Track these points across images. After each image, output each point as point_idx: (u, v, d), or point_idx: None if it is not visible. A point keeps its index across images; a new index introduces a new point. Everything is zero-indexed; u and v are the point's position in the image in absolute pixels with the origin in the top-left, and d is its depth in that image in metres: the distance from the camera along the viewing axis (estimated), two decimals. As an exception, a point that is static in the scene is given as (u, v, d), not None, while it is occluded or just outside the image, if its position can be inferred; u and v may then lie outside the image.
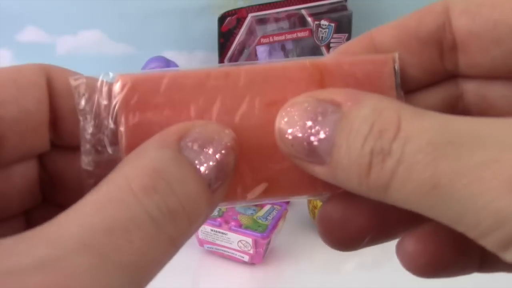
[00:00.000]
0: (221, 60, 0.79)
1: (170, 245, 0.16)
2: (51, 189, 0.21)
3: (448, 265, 0.20)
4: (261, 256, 0.61)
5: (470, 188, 0.15)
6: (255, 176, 0.19)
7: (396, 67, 0.19)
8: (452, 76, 0.21)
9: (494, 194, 0.15)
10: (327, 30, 0.76)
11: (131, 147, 0.18)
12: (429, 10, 0.20)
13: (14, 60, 0.80)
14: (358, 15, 0.76)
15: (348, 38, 0.77)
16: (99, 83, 0.19)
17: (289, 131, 0.18)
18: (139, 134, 0.18)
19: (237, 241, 0.61)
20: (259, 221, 0.62)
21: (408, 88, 0.21)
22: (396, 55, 0.20)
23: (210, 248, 0.63)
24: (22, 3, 0.76)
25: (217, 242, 0.62)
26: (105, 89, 0.19)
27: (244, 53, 0.77)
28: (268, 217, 0.62)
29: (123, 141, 0.19)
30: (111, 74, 0.19)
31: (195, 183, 0.17)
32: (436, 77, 0.21)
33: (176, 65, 0.75)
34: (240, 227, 0.61)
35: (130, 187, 0.16)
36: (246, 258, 0.61)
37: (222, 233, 0.61)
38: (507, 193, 0.14)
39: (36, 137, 0.19)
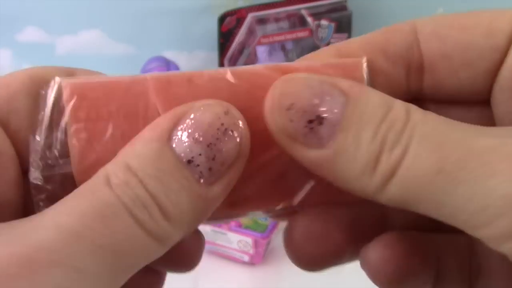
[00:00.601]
0: (221, 60, 0.79)
1: (152, 241, 0.16)
2: None
3: (407, 276, 0.20)
4: (261, 256, 0.61)
5: (477, 172, 0.15)
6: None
7: (366, 71, 0.19)
8: (414, 98, 0.20)
9: (502, 177, 0.14)
10: (327, 30, 0.75)
11: (83, 159, 0.18)
12: (397, 29, 0.20)
13: (14, 60, 0.80)
14: (358, 15, 0.76)
15: (348, 38, 0.77)
16: (48, 92, 0.18)
17: (290, 104, 0.17)
18: (92, 145, 0.18)
19: (237, 241, 0.61)
20: (259, 221, 0.62)
21: None
22: (365, 59, 0.19)
23: (210, 248, 0.63)
24: (22, 3, 0.76)
25: (217, 242, 0.62)
26: (53, 98, 0.18)
27: (244, 53, 0.76)
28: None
29: (74, 153, 0.18)
30: (58, 81, 0.18)
31: (177, 177, 0.16)
32: (399, 97, 0.20)
33: (176, 65, 0.75)
34: (240, 227, 0.61)
35: (106, 179, 0.16)
36: (246, 258, 0.61)
37: (222, 233, 0.61)
38: None
39: None
